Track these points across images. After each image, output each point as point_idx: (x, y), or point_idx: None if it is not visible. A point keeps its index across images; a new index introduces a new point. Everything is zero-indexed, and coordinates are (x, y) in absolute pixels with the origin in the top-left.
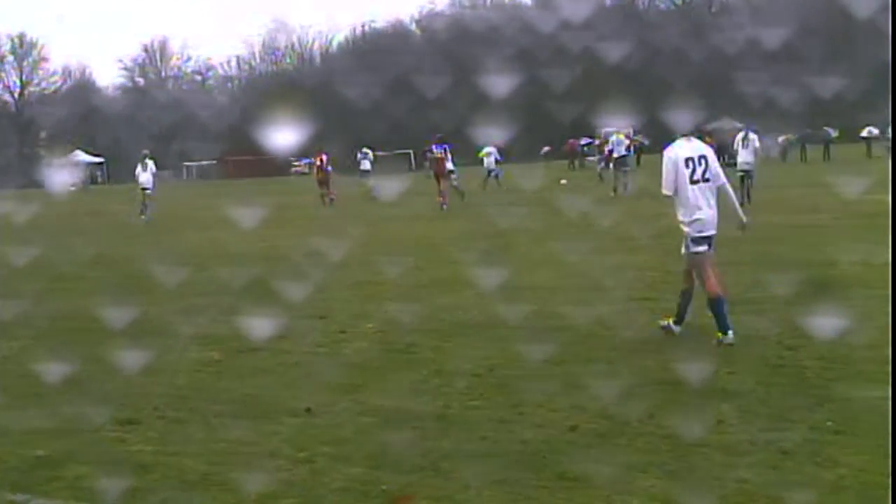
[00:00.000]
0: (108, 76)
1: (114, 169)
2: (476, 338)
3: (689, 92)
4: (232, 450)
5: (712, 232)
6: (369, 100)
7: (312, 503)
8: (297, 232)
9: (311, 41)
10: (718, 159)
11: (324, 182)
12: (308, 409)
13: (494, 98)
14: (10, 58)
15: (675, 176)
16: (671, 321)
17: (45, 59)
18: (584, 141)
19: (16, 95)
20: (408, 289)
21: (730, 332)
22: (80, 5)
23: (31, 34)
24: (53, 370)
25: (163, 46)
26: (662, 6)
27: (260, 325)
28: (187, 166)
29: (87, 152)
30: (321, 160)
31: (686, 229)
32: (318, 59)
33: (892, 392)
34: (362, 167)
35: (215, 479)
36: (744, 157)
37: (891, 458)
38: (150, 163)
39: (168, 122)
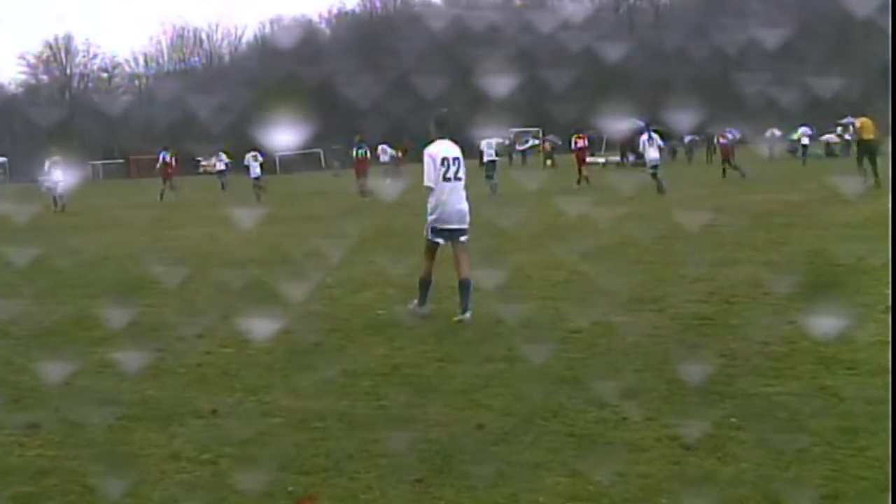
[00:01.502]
0: (10, 73)
1: (17, 167)
2: (381, 336)
3: (688, 91)
4: (133, 452)
5: (455, 226)
6: (279, 99)
7: None
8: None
9: (219, 39)
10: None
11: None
12: (214, 411)
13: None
14: None
15: (433, 171)
16: (419, 303)
17: None
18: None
19: None
20: (316, 288)
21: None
22: None
23: None
24: None
25: (67, 43)
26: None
27: (160, 325)
28: (93, 165)
29: None
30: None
31: (430, 218)
32: (227, 58)
33: (892, 392)
34: (382, 160)
35: (117, 482)
36: (651, 154)
37: (891, 459)
38: (59, 159)
39: (73, 121)
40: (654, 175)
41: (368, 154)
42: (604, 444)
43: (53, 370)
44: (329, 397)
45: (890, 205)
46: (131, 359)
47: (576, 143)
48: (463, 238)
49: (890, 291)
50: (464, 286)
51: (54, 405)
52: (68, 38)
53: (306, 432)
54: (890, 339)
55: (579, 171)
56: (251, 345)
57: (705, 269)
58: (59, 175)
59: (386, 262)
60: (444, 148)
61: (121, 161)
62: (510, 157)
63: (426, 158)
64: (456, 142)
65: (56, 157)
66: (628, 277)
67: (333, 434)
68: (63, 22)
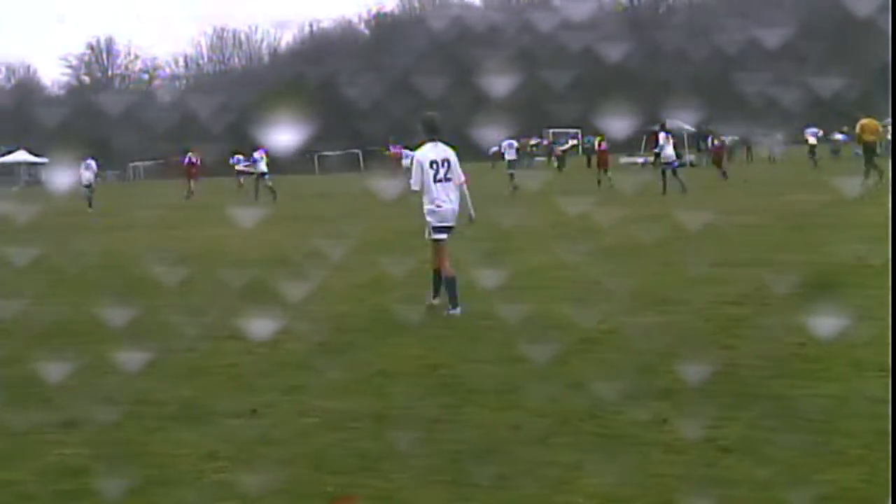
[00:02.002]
0: (52, 74)
1: (58, 169)
2: (414, 337)
3: (688, 91)
4: (170, 452)
5: (451, 223)
6: (322, 98)
7: None
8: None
9: (259, 40)
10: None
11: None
12: (254, 411)
13: (492, 97)
14: None
15: (421, 175)
16: (433, 296)
17: None
18: (533, 140)
19: None
20: (347, 288)
21: (458, 309)
22: (25, 2)
23: None
24: None
25: (109, 44)
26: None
27: (198, 326)
28: (133, 167)
29: (30, 152)
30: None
31: (429, 219)
32: (266, 59)
33: (892, 392)
34: (508, 157)
35: (153, 482)
36: (668, 152)
37: (891, 458)
38: (92, 162)
39: (115, 122)
40: (673, 173)
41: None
42: (639, 445)
43: (88, 370)
44: (363, 398)
45: (890, 204)
46: (166, 359)
47: (599, 144)
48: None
49: (890, 291)
50: (450, 283)
51: (91, 405)
52: (110, 40)
53: (341, 432)
54: (890, 339)
55: (605, 171)
56: (285, 345)
57: (738, 269)
58: (91, 176)
59: (417, 263)
60: (431, 151)
61: (160, 162)
62: (547, 158)
63: (414, 162)
64: (447, 143)
65: (89, 160)
66: (660, 278)
67: (368, 434)
68: (65, 22)
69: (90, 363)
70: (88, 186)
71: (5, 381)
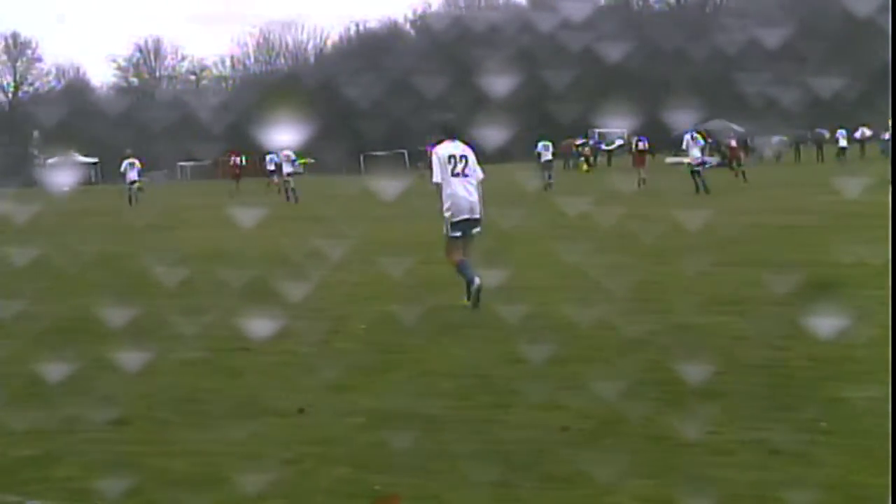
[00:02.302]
0: (102, 75)
1: (108, 169)
2: (465, 338)
3: (688, 91)
4: (219, 450)
5: (466, 216)
6: (368, 99)
7: None
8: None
9: (305, 41)
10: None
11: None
12: (301, 410)
13: (493, 97)
14: (4, 57)
15: (440, 170)
16: (467, 296)
17: (38, 59)
18: (579, 141)
19: (9, 95)
20: (399, 288)
21: (464, 297)
22: (73, 3)
23: (24, 33)
24: (49, 369)
25: (157, 46)
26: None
27: (248, 325)
28: (182, 166)
29: (80, 153)
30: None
31: (446, 214)
32: (312, 59)
33: (892, 392)
34: (544, 158)
35: (201, 480)
36: (694, 153)
37: (891, 458)
38: (136, 161)
39: (163, 123)
40: (697, 173)
41: None
42: (687, 447)
43: (138, 367)
44: (411, 397)
45: (890, 204)
46: (215, 357)
47: (636, 144)
48: (475, 230)
49: (890, 291)
50: (464, 264)
51: (141, 402)
52: (157, 41)
53: (389, 432)
54: (890, 339)
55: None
56: (333, 344)
57: (789, 270)
58: (135, 175)
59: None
60: (450, 147)
61: (207, 163)
62: (592, 158)
63: (434, 159)
64: (467, 143)
65: (132, 159)
66: (711, 278)
67: (417, 434)
68: (64, 21)
69: (143, 361)
70: (133, 184)
71: (62, 378)
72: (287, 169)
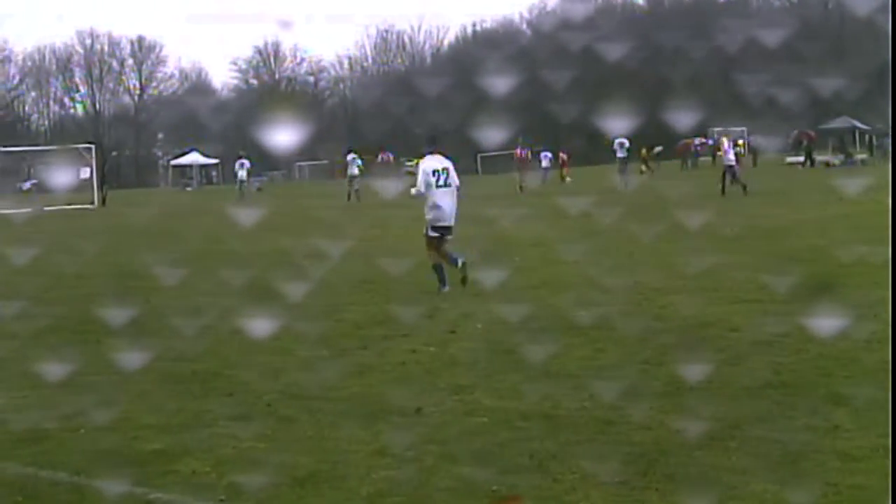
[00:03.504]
0: (221, 76)
1: (229, 170)
2: (583, 338)
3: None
4: (340, 448)
5: (447, 223)
6: (486, 99)
7: (420, 502)
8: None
9: (422, 42)
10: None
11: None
12: (418, 410)
13: (617, 94)
14: (130, 61)
15: (425, 181)
16: (442, 285)
17: (162, 62)
18: (697, 141)
19: (135, 98)
20: (519, 289)
21: (440, 288)
22: (196, 5)
23: (149, 36)
24: (169, 366)
25: (276, 48)
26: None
27: (368, 323)
28: (299, 166)
29: (202, 153)
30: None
31: (428, 218)
32: (428, 60)
33: (892, 392)
34: (619, 155)
35: (324, 477)
36: (730, 155)
37: (891, 458)
38: (246, 161)
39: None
40: (727, 175)
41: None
42: (813, 452)
43: (264, 366)
44: (532, 398)
45: (890, 204)
46: (337, 357)
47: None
48: (449, 237)
49: (890, 292)
50: (446, 260)
51: (265, 400)
52: (277, 44)
53: (509, 432)
54: (890, 339)
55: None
56: (454, 344)
57: None
58: (244, 174)
59: (588, 263)
60: (434, 161)
61: (325, 162)
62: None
63: (420, 171)
64: (445, 155)
65: (244, 160)
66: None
67: (536, 434)
68: (64, 21)
69: (268, 360)
70: (243, 182)
71: (188, 375)
72: (353, 172)
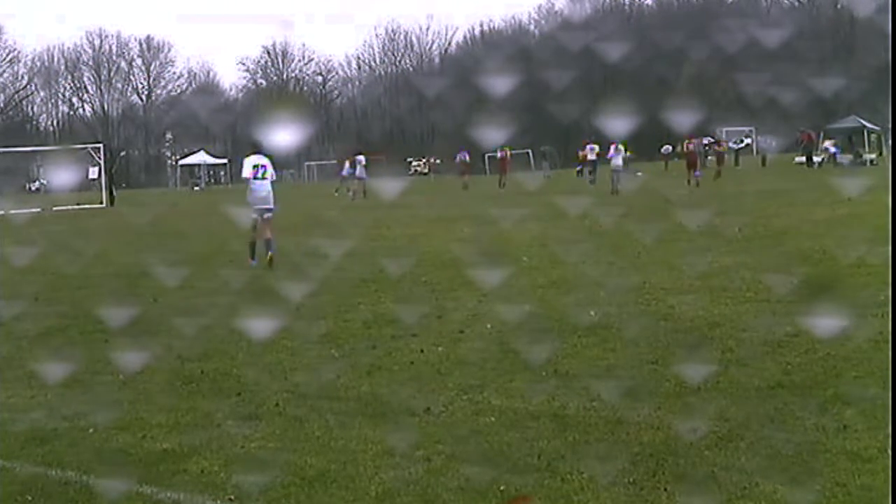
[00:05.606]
0: (229, 77)
1: (237, 170)
2: (593, 338)
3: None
4: (349, 447)
5: (261, 206)
6: (493, 99)
7: (429, 502)
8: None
9: (430, 42)
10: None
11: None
12: (427, 410)
13: (621, 95)
14: (139, 61)
15: (248, 172)
16: (252, 256)
17: (171, 62)
18: (705, 141)
19: (144, 97)
20: (527, 289)
21: (254, 261)
22: (204, 5)
23: (157, 36)
24: (178, 365)
25: (284, 48)
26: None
27: (376, 323)
28: (308, 166)
29: (210, 154)
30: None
31: (249, 200)
32: (436, 60)
33: (892, 392)
34: (614, 161)
35: (333, 477)
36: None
37: (891, 458)
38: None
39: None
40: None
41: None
42: (822, 452)
43: (273, 366)
44: (541, 397)
45: (890, 204)
46: (347, 356)
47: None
48: (268, 215)
49: (890, 291)
50: (268, 243)
51: (274, 400)
52: (285, 44)
53: (518, 431)
54: (890, 339)
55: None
56: (463, 344)
57: None
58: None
59: (595, 264)
60: (256, 158)
61: (333, 163)
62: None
63: (245, 164)
64: (267, 155)
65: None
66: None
67: (546, 434)
68: (72, 22)
69: (277, 360)
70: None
71: (197, 374)
72: (361, 173)
